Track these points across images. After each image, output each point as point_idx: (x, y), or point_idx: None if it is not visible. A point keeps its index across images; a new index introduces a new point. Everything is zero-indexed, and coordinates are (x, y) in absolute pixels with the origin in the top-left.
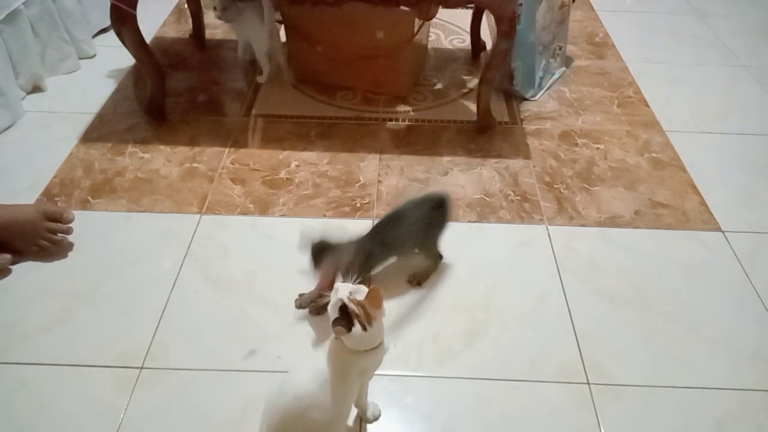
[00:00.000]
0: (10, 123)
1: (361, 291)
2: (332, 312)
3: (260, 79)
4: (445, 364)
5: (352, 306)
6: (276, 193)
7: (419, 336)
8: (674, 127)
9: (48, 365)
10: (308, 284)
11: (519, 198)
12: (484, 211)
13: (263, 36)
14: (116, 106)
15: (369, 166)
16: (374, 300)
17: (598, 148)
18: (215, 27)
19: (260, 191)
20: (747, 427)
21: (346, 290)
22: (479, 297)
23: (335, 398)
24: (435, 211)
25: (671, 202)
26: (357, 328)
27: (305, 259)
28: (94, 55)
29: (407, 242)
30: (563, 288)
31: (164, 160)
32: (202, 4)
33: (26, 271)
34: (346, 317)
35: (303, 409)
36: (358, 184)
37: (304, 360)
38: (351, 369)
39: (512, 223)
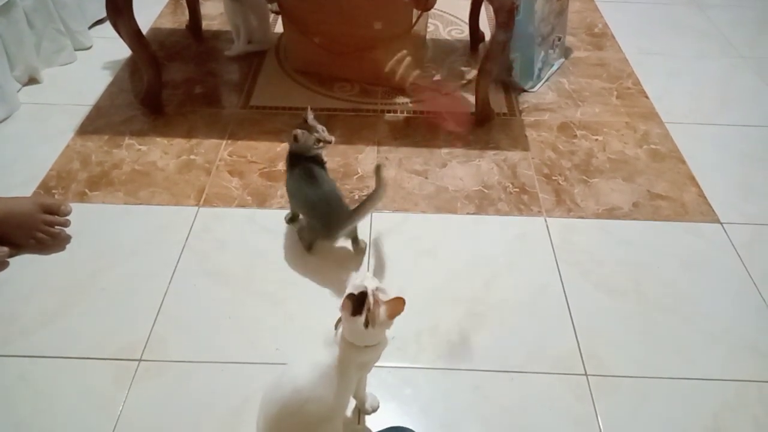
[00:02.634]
0: (6, 115)
1: (387, 293)
2: (351, 290)
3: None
4: (444, 355)
5: (370, 300)
6: (274, 185)
7: (417, 328)
8: (673, 119)
9: (46, 358)
10: (305, 278)
11: (517, 190)
12: (483, 203)
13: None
14: (113, 98)
15: (367, 158)
16: (393, 308)
17: (596, 140)
18: (212, 18)
19: (258, 183)
20: (744, 418)
21: (374, 283)
22: (477, 289)
23: (334, 391)
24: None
25: (670, 193)
26: (361, 319)
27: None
28: (90, 47)
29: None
30: (561, 280)
31: (161, 152)
32: None
33: (24, 264)
34: (359, 304)
35: (301, 402)
36: (356, 176)
37: (302, 352)
38: (350, 363)
39: (510, 215)
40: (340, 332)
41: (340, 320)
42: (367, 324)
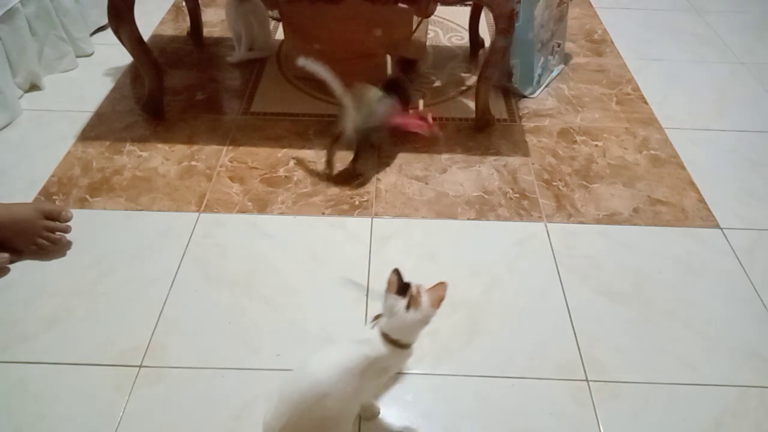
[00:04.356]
0: (8, 122)
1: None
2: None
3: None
4: (444, 361)
5: (413, 289)
6: (274, 191)
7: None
8: (673, 124)
9: (47, 364)
10: (306, 284)
11: (518, 195)
12: (483, 209)
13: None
14: (114, 105)
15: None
16: (437, 294)
17: (596, 146)
18: (213, 25)
19: (259, 189)
20: (745, 424)
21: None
22: (478, 295)
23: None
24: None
25: (670, 199)
26: (403, 302)
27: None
28: (92, 54)
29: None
30: (562, 285)
31: (162, 158)
32: (200, 1)
33: (25, 270)
34: (403, 289)
35: (319, 396)
36: (357, 182)
37: (327, 347)
38: (377, 361)
39: (511, 220)
40: (375, 327)
41: (377, 316)
42: (409, 305)
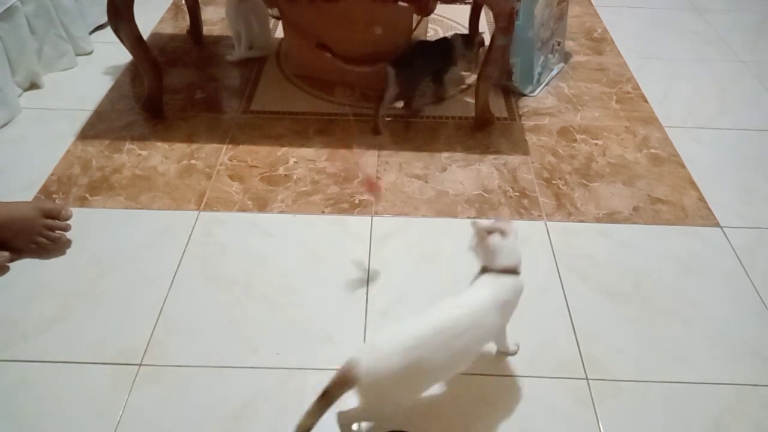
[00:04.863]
0: (7, 120)
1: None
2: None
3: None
4: None
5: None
6: (274, 189)
7: None
8: (673, 123)
9: (46, 362)
10: (306, 283)
11: (517, 194)
12: (483, 208)
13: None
14: (113, 103)
15: (367, 162)
16: (503, 215)
17: (596, 144)
18: (213, 23)
19: (258, 188)
20: (745, 422)
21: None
22: None
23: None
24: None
25: (670, 197)
26: (497, 236)
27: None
28: (92, 52)
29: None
30: (562, 284)
31: (162, 157)
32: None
33: (24, 269)
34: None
35: (471, 326)
36: (357, 180)
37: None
38: (506, 303)
39: (511, 219)
40: (491, 274)
41: (483, 268)
42: (502, 235)
